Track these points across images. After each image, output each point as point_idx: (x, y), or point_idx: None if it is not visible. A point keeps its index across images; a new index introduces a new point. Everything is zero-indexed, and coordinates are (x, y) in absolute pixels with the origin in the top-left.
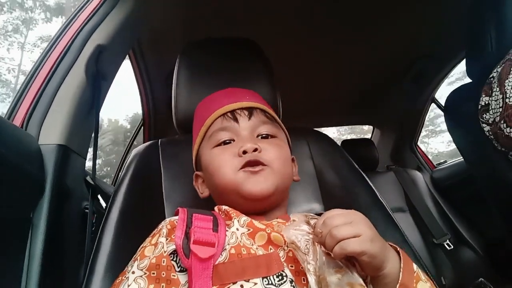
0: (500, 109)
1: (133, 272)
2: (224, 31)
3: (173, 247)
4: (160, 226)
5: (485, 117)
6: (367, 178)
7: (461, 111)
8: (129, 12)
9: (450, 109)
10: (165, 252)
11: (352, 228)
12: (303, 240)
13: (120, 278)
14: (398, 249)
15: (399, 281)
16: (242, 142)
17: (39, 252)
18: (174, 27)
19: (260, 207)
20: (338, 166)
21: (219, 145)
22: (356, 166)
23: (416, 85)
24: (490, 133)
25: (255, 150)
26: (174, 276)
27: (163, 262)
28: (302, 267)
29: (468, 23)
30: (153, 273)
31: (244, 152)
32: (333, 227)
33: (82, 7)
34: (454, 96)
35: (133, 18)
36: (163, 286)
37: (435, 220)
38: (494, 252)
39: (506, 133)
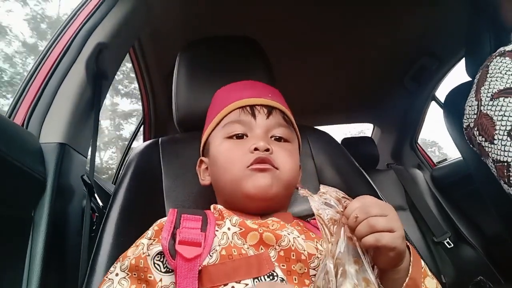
0: (475, 116)
1: (116, 274)
2: (224, 29)
3: (160, 248)
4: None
5: (463, 120)
6: (367, 176)
7: (459, 109)
8: (130, 10)
9: (449, 107)
10: (143, 253)
11: (388, 222)
12: (329, 219)
13: (104, 279)
14: (408, 244)
15: (409, 275)
16: (255, 139)
17: (40, 250)
18: (174, 26)
19: (256, 208)
20: (339, 164)
21: (231, 137)
22: (357, 164)
23: (417, 83)
24: (466, 137)
25: (267, 150)
26: (151, 277)
27: (141, 264)
28: (305, 269)
29: (467, 22)
30: (135, 274)
31: (256, 150)
32: (371, 216)
33: (83, 5)
34: (453, 94)
35: (134, 16)
36: (144, 287)
37: (435, 218)
38: (494, 250)
39: (478, 141)
